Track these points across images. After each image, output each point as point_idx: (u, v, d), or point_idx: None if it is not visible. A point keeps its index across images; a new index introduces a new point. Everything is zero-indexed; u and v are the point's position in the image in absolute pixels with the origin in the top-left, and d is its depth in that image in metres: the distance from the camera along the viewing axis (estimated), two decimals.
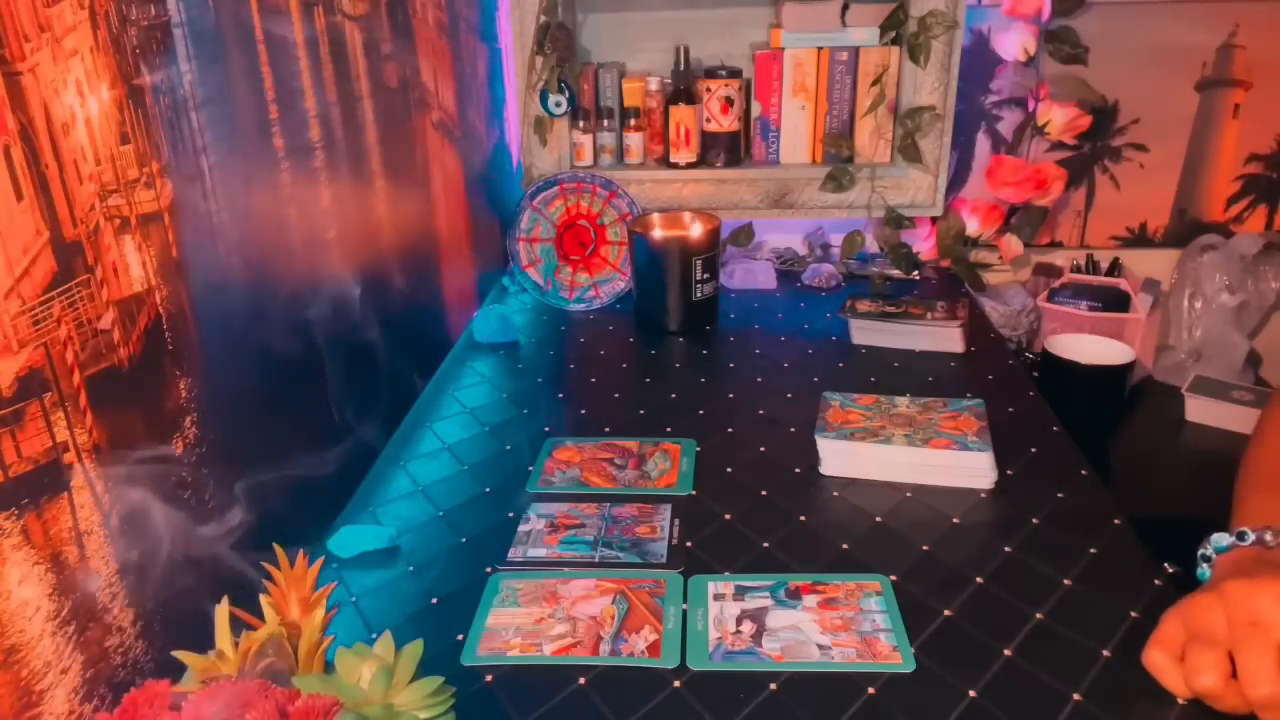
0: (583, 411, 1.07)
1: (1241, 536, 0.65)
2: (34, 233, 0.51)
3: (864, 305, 1.23)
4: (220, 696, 0.47)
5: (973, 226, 1.48)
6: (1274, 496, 0.71)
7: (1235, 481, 0.77)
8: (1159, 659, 0.62)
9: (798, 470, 0.92)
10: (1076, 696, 0.62)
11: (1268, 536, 0.64)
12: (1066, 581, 0.74)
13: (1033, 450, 0.94)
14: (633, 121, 1.49)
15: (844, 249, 1.50)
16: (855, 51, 1.43)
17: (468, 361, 1.21)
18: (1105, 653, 0.66)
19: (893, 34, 1.41)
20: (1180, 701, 0.61)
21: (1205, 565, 0.67)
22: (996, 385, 1.09)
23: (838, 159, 1.48)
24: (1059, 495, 0.86)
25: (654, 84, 1.49)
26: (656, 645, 0.69)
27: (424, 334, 1.17)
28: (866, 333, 1.22)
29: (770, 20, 1.49)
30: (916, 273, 1.47)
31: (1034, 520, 0.82)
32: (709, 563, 0.78)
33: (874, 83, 1.43)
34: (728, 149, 1.48)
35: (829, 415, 0.95)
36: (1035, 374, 1.36)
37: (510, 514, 0.86)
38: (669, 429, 1.01)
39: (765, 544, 0.80)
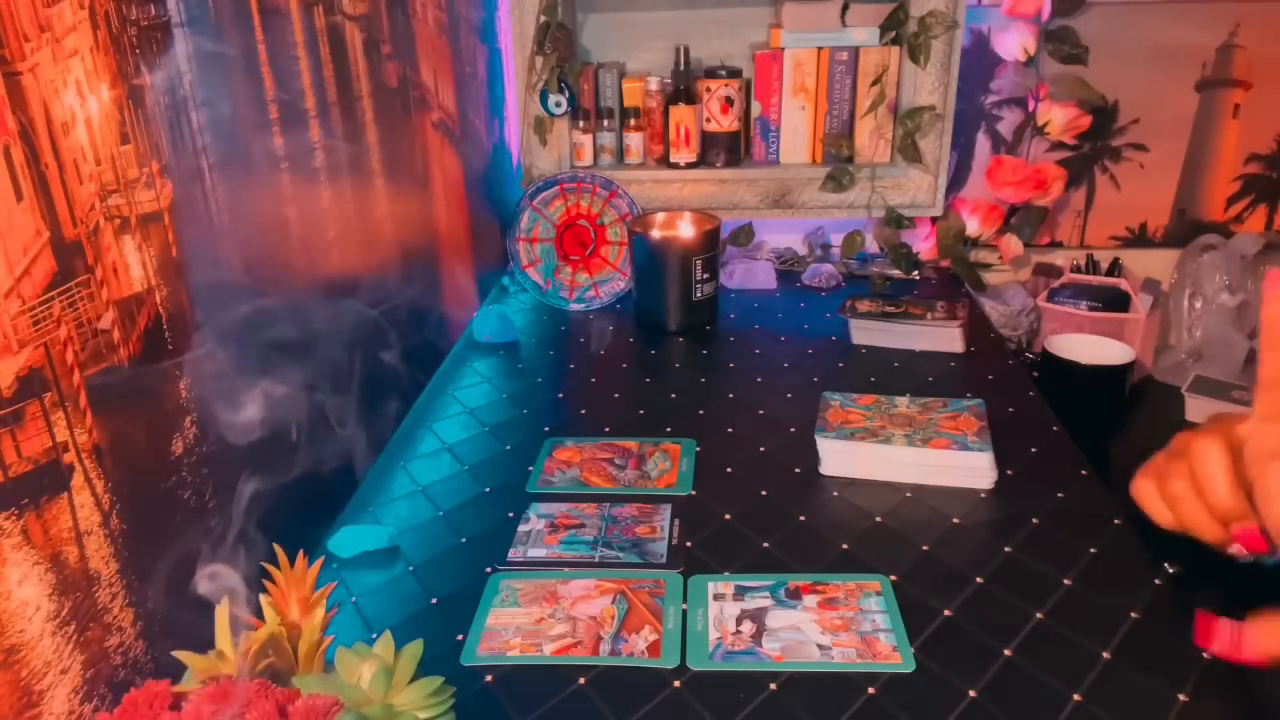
0: (583, 411, 1.07)
1: None
2: (34, 233, 0.51)
3: (864, 305, 1.23)
4: (220, 696, 0.47)
5: (973, 226, 1.48)
6: None
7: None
8: (1144, 485, 0.58)
9: (798, 470, 0.92)
10: (1076, 696, 0.62)
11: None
12: (1066, 581, 0.74)
13: (1033, 450, 0.94)
14: (633, 121, 1.49)
15: (844, 249, 1.50)
16: (855, 51, 1.43)
17: (468, 361, 1.21)
18: (1105, 653, 0.66)
19: (893, 34, 1.41)
20: (1180, 699, 0.62)
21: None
22: (996, 385, 1.09)
23: (838, 159, 1.48)
24: (1059, 495, 0.86)
25: (654, 84, 1.49)
26: (656, 645, 0.69)
27: (424, 334, 1.17)
28: (866, 333, 1.22)
29: (770, 20, 1.49)
30: (916, 273, 1.47)
31: (1034, 520, 0.82)
32: (709, 563, 0.78)
33: (874, 83, 1.43)
34: (728, 149, 1.48)
35: (829, 415, 0.95)
36: (1035, 374, 1.36)
37: (510, 514, 0.86)
38: (669, 429, 1.01)
39: (765, 544, 0.80)
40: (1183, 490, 0.56)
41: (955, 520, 0.83)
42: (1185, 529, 0.57)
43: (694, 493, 0.89)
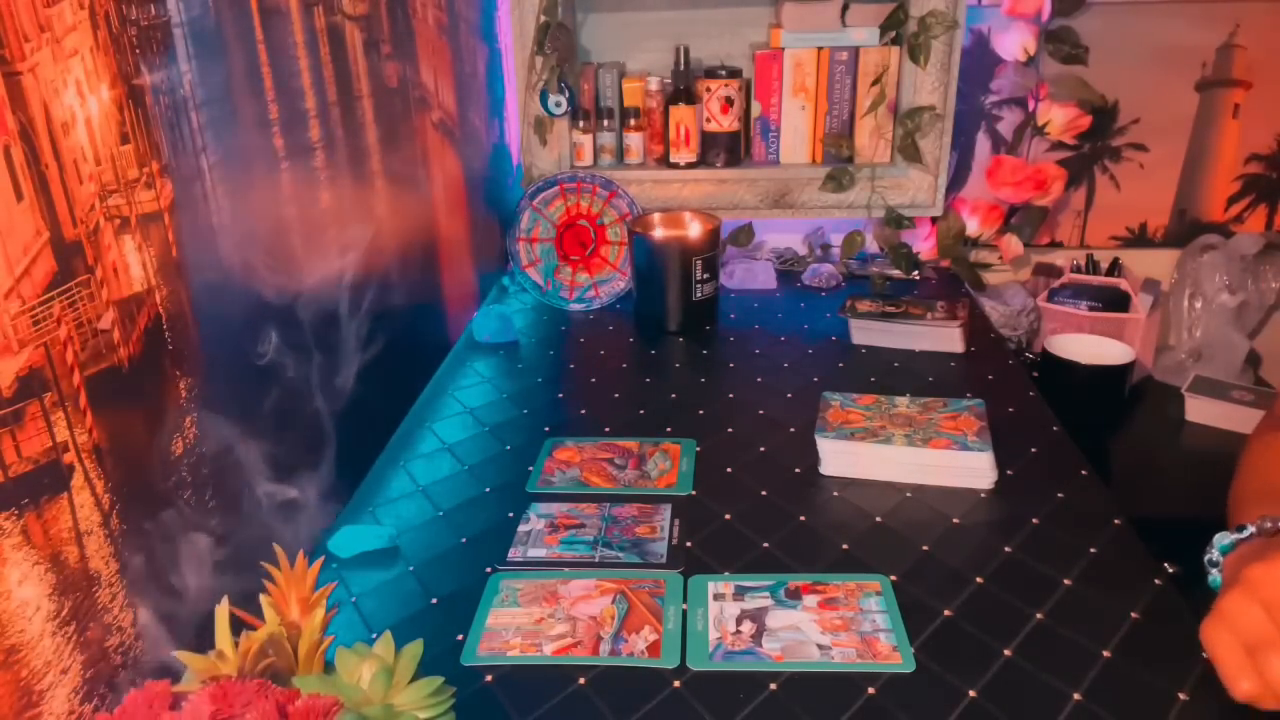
0: (583, 411, 1.07)
1: (1241, 530, 0.66)
2: (34, 233, 0.51)
3: (864, 305, 1.23)
4: (220, 696, 0.47)
5: (973, 226, 1.48)
6: (1267, 505, 0.71)
7: (1227, 505, 0.76)
8: (1250, 688, 0.57)
9: (798, 470, 0.92)
10: (1077, 696, 0.62)
11: (1267, 524, 0.64)
12: (1066, 581, 0.74)
13: (1033, 450, 0.94)
14: (633, 121, 1.49)
15: (844, 249, 1.50)
16: (855, 51, 1.43)
17: (468, 361, 1.21)
18: (1105, 653, 0.66)
19: (893, 34, 1.41)
20: (1181, 697, 0.62)
21: (1214, 571, 0.67)
22: (996, 385, 1.09)
23: (838, 159, 1.48)
24: (1059, 495, 0.86)
25: (654, 84, 1.49)
26: (656, 645, 0.69)
27: (424, 334, 1.17)
28: (866, 333, 1.22)
29: (770, 20, 1.49)
30: (916, 273, 1.47)
31: (1034, 520, 0.82)
32: (709, 563, 0.78)
33: (874, 83, 1.43)
34: (728, 149, 1.48)
35: (829, 415, 0.95)
36: (1035, 374, 1.36)
37: (510, 514, 0.86)
38: (669, 429, 1.01)
39: (765, 544, 0.80)
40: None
41: (955, 520, 0.83)
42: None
43: (694, 493, 0.89)
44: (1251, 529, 0.65)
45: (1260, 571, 0.58)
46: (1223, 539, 0.67)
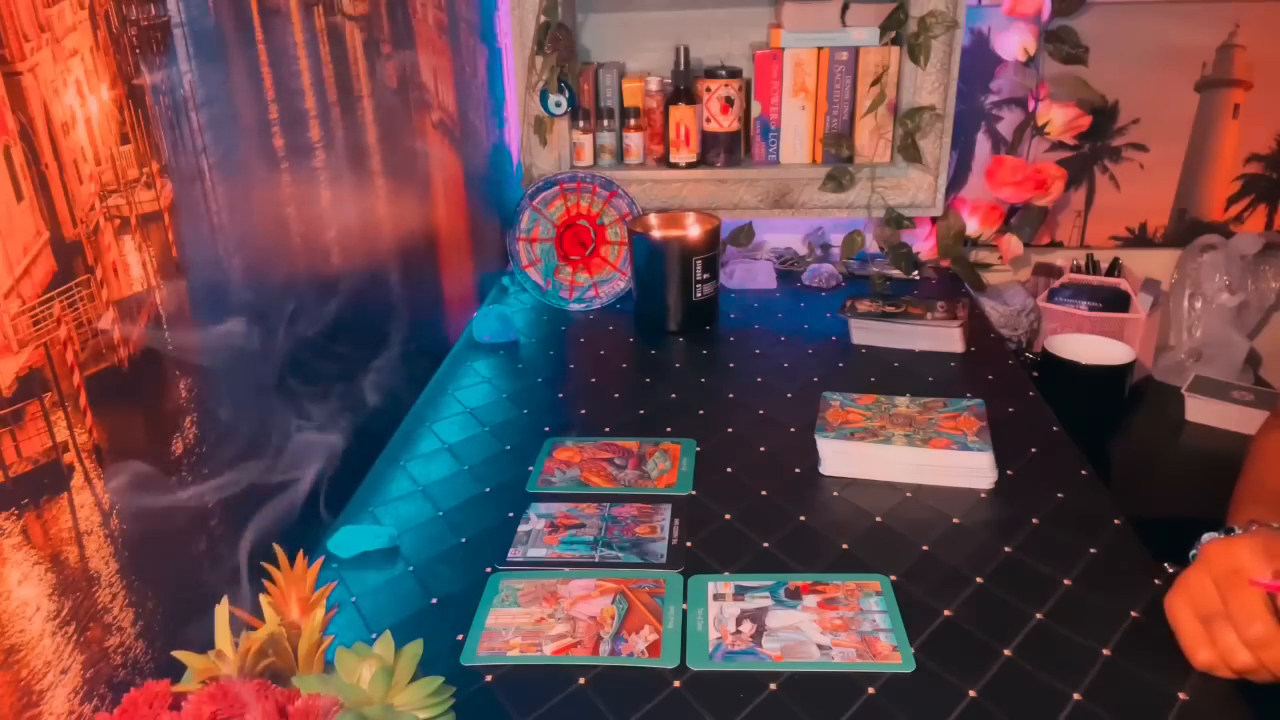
0: (583, 411, 1.07)
1: (1229, 532, 0.67)
2: (34, 233, 0.51)
3: (864, 305, 1.23)
4: (220, 696, 0.47)
5: (973, 226, 1.48)
6: (1263, 508, 0.72)
7: (1230, 507, 0.78)
8: (1207, 658, 0.62)
9: (798, 470, 0.92)
10: (1076, 696, 0.62)
11: (1253, 528, 0.65)
12: (1066, 581, 0.74)
13: (1033, 450, 0.94)
14: (633, 121, 1.49)
15: (844, 249, 1.50)
16: (855, 51, 1.43)
17: (468, 361, 1.21)
18: (1105, 652, 0.66)
19: (893, 34, 1.41)
20: (1181, 697, 0.62)
21: None
22: (996, 385, 1.09)
23: (838, 159, 1.48)
24: (1059, 495, 0.86)
25: (654, 84, 1.49)
26: (656, 645, 0.69)
27: (424, 334, 1.17)
28: (866, 333, 1.22)
29: (770, 20, 1.49)
30: (916, 273, 1.47)
31: (1034, 520, 0.82)
32: (709, 563, 0.78)
33: (874, 83, 1.43)
34: (728, 149, 1.48)
35: (829, 415, 0.95)
36: (1035, 374, 1.36)
37: (510, 514, 0.86)
38: (669, 429, 1.01)
39: (765, 544, 0.80)
40: (1252, 660, 0.59)
41: (955, 520, 0.83)
42: (1235, 672, 0.61)
43: (694, 493, 0.89)
44: (1238, 532, 0.66)
45: (1215, 548, 0.62)
46: (1208, 538, 0.68)
